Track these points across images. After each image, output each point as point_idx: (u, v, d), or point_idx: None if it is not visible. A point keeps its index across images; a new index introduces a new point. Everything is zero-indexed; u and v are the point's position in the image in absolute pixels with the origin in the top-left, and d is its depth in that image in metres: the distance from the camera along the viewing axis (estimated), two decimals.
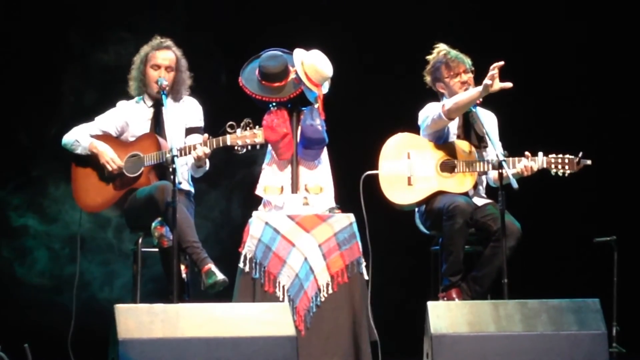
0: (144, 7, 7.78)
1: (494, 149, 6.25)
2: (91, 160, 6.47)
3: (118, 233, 7.73)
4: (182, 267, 6.24)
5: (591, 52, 8.23)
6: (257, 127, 6.25)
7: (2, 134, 7.75)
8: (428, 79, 6.66)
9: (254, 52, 6.61)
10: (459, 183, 6.49)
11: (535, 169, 6.39)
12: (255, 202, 6.57)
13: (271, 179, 6.53)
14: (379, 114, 7.76)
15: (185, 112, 6.61)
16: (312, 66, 6.44)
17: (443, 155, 6.51)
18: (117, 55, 7.49)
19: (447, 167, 6.52)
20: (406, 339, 6.81)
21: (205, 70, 7.15)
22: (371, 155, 6.57)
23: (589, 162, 6.39)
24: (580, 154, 6.37)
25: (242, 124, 6.23)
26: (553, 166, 6.40)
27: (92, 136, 6.50)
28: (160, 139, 6.43)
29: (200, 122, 6.62)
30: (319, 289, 6.28)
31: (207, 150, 6.27)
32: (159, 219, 6.19)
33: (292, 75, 6.49)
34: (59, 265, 7.76)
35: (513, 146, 6.43)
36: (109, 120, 6.59)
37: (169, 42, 6.57)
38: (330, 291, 6.30)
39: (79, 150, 6.49)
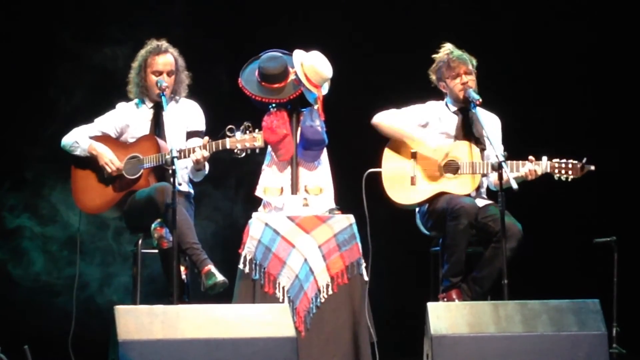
0: (143, 7, 7.76)
1: (494, 151, 6.23)
2: (90, 162, 6.46)
3: (117, 235, 7.71)
4: (182, 268, 6.23)
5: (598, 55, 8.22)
6: (256, 130, 6.23)
7: None
8: (433, 77, 6.66)
9: (253, 53, 6.61)
10: (463, 184, 6.48)
11: (539, 172, 6.37)
12: (256, 203, 6.56)
13: (271, 180, 6.53)
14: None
15: (186, 115, 6.59)
16: (312, 67, 6.43)
17: (447, 156, 6.50)
18: (113, 56, 7.45)
19: (451, 168, 6.50)
20: (406, 340, 6.80)
21: (205, 71, 7.13)
22: (371, 155, 6.56)
23: (592, 167, 6.38)
24: (584, 160, 6.36)
25: (241, 128, 6.22)
26: (557, 171, 6.38)
27: (91, 138, 6.49)
28: (160, 141, 6.42)
29: (202, 126, 6.59)
30: (319, 290, 6.28)
31: (206, 153, 6.26)
32: (159, 220, 6.18)
33: (291, 77, 6.48)
34: (57, 267, 7.74)
35: (517, 150, 6.42)
36: (109, 121, 6.57)
37: (166, 45, 6.53)
38: (330, 292, 6.30)
39: (78, 152, 6.48)
